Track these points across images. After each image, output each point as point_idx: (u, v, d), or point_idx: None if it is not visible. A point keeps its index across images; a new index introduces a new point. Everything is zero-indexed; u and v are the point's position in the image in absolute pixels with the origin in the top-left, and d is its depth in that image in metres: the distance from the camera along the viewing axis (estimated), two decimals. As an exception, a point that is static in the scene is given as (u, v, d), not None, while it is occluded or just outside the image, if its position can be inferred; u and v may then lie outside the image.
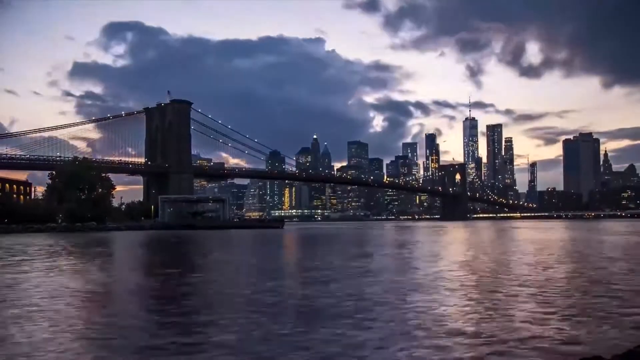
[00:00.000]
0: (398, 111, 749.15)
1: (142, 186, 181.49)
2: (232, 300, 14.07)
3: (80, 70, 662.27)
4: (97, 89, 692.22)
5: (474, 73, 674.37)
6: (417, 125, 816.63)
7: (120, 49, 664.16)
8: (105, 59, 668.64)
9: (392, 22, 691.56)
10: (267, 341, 9.23)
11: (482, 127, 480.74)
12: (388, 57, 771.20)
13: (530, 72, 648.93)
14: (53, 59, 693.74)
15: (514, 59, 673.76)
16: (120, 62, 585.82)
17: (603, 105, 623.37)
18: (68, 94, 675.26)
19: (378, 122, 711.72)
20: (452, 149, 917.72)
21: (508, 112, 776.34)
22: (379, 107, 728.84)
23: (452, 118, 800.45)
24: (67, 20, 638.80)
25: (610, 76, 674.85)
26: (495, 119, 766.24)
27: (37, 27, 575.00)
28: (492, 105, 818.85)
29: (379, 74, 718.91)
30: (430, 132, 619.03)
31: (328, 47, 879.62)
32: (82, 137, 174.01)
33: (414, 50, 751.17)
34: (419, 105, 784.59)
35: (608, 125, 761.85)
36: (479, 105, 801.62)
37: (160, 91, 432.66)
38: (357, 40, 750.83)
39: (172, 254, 37.19)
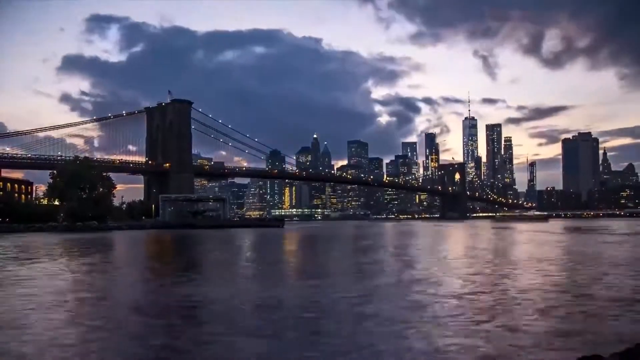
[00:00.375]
0: (405, 107, 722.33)
1: (142, 185, 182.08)
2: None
3: (73, 66, 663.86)
4: (91, 85, 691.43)
5: (487, 65, 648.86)
6: (425, 122, 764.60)
7: (109, 44, 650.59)
8: (96, 54, 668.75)
9: (396, 11, 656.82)
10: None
11: (491, 122, 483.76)
12: (394, 49, 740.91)
13: (549, 64, 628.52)
14: (44, 55, 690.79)
15: (529, 49, 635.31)
16: (112, 58, 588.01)
17: (607, 103, 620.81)
18: (60, 90, 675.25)
19: (384, 118, 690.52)
20: (455, 146, 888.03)
21: (520, 108, 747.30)
22: (384, 102, 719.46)
23: (460, 114, 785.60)
24: (59, 16, 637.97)
25: (632, 69, 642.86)
26: (506, 114, 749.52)
27: (30, 24, 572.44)
28: (503, 100, 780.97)
29: (385, 69, 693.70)
30: (438, 128, 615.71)
31: (326, 40, 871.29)
32: (82, 136, 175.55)
33: (422, 41, 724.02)
34: (427, 101, 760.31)
35: (610, 123, 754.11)
36: (489, 101, 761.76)
37: (153, 85, 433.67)
38: (357, 33, 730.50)
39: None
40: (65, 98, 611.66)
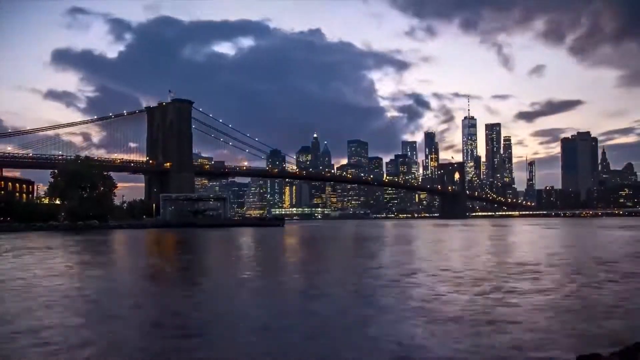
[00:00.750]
0: (412, 103, 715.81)
1: (143, 184, 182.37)
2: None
3: (64, 61, 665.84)
4: (84, 80, 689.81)
5: (501, 59, 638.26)
6: (432, 118, 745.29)
7: (98, 38, 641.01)
8: (85, 47, 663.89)
9: (403, 3, 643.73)
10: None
11: (499, 120, 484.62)
12: (401, 43, 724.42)
13: (572, 54, 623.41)
14: (35, 51, 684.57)
15: (550, 40, 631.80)
16: (103, 52, 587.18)
17: (609, 100, 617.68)
18: (54, 86, 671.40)
19: (391, 115, 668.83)
20: (460, 143, 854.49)
21: (532, 104, 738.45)
22: (390, 98, 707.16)
23: (467, 111, 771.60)
24: (47, 11, 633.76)
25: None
26: (516, 108, 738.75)
27: (21, 20, 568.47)
28: (513, 96, 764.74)
29: (391, 63, 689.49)
30: (445, 123, 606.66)
31: (327, 35, 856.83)
32: (83, 134, 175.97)
33: (428, 34, 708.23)
34: (435, 96, 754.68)
35: (611, 123, 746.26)
36: (499, 97, 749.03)
37: (145, 79, 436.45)
38: (352, 25, 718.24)
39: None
40: (60, 94, 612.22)
